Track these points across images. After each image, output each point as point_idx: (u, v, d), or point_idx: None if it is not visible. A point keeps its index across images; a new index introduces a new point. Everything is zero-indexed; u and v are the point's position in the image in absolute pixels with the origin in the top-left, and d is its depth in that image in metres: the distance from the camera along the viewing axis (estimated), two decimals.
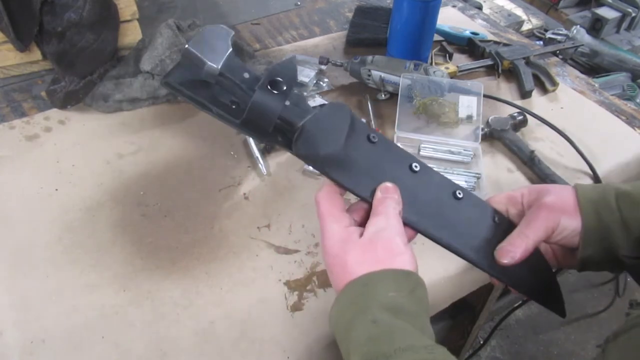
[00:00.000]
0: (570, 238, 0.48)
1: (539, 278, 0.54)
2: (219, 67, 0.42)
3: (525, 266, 0.49)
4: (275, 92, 0.42)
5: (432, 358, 0.38)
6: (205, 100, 0.43)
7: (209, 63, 0.41)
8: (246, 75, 0.43)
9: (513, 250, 0.47)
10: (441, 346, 0.40)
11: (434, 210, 0.48)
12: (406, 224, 0.46)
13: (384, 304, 0.40)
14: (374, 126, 0.81)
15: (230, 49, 0.42)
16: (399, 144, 0.79)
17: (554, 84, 0.93)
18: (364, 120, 0.55)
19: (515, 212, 0.51)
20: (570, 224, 0.47)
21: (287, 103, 0.43)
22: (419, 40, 0.91)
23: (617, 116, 0.89)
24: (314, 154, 0.43)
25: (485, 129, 0.82)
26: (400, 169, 0.47)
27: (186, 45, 0.42)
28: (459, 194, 0.48)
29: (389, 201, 0.44)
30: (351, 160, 0.45)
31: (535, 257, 0.49)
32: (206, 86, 0.43)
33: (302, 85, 0.88)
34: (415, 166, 0.47)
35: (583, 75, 1.01)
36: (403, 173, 0.47)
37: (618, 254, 0.47)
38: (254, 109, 0.41)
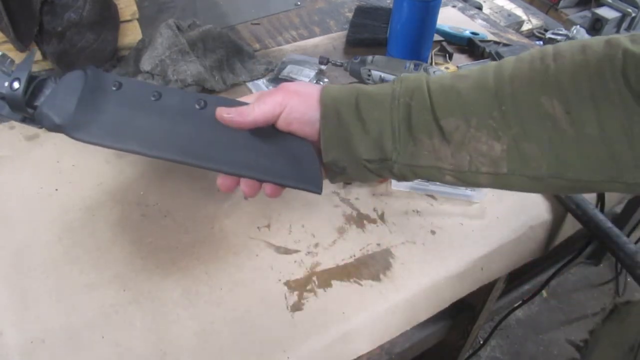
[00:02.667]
0: (303, 127, 0.48)
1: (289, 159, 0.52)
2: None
3: (270, 148, 0.50)
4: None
5: None
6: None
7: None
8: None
9: (234, 113, 0.48)
10: None
11: (188, 135, 0.50)
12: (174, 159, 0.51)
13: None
14: None
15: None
16: None
17: None
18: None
19: None
20: (304, 110, 0.47)
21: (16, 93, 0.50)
22: (419, 40, 0.91)
23: None
24: (50, 125, 0.50)
25: None
26: (144, 100, 0.51)
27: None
28: (201, 103, 0.50)
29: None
30: (102, 117, 0.50)
31: (275, 137, 0.50)
32: None
33: None
34: (155, 94, 0.51)
35: None
36: (147, 104, 0.51)
37: (360, 157, 0.47)
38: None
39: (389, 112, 0.45)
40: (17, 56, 0.85)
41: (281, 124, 0.48)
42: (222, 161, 0.50)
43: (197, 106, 0.50)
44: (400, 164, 0.46)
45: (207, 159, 0.50)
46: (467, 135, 0.43)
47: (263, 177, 0.50)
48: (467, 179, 0.46)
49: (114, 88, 0.51)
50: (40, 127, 0.52)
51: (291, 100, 0.47)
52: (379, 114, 0.45)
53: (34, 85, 0.52)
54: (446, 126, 0.44)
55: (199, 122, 0.50)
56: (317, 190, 0.50)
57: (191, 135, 0.50)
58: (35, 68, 0.88)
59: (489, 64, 0.45)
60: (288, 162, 0.50)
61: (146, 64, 0.82)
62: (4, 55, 0.51)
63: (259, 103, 0.48)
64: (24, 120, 0.53)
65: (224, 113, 0.48)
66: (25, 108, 0.51)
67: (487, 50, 0.98)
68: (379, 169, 0.47)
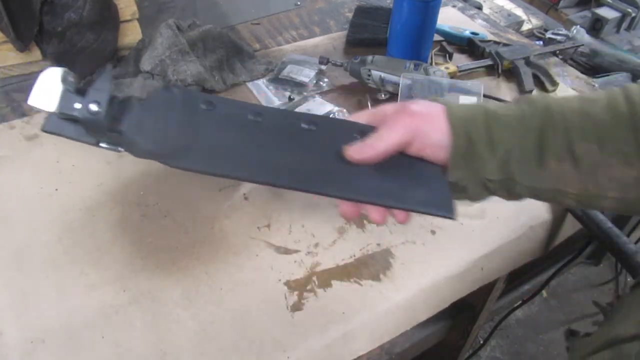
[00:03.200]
0: (435, 151, 0.46)
1: (423, 185, 0.48)
2: (55, 109, 0.44)
3: (402, 174, 0.46)
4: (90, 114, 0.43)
5: None
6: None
7: (47, 110, 0.45)
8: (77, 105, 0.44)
9: (364, 147, 0.45)
10: None
11: (293, 158, 0.46)
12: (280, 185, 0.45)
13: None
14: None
15: (61, 88, 0.44)
16: None
17: (554, 84, 0.93)
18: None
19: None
20: (435, 134, 0.45)
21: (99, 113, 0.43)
22: (419, 40, 0.91)
23: None
24: (140, 151, 0.44)
25: None
26: (242, 120, 0.46)
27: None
28: (310, 124, 0.46)
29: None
30: (198, 141, 0.44)
31: (409, 163, 0.47)
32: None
33: (302, 85, 0.89)
34: (254, 113, 0.46)
35: (583, 75, 1.01)
36: (246, 124, 0.46)
37: (483, 177, 0.46)
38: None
39: (519, 133, 0.44)
40: (17, 56, 0.85)
41: (412, 150, 0.46)
42: (345, 188, 0.45)
43: (304, 126, 0.46)
44: (523, 185, 0.45)
45: (326, 186, 0.45)
46: (599, 161, 0.42)
47: (393, 204, 0.46)
48: (591, 203, 0.45)
49: (204, 107, 0.46)
50: (121, 151, 0.46)
51: (420, 124, 0.45)
52: (508, 135, 0.44)
53: (115, 106, 0.45)
54: (578, 151, 0.42)
55: (310, 143, 0.46)
56: (451, 215, 0.45)
57: (304, 159, 0.45)
58: (34, 68, 0.88)
59: (613, 89, 0.45)
60: (416, 186, 0.46)
61: (146, 64, 0.82)
62: (66, 71, 0.44)
63: (387, 131, 0.45)
64: (99, 143, 0.46)
65: (355, 154, 0.45)
66: (106, 132, 0.45)
67: (487, 50, 0.98)
68: (498, 189, 0.46)
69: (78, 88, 0.44)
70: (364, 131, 0.47)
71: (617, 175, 0.42)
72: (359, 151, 0.45)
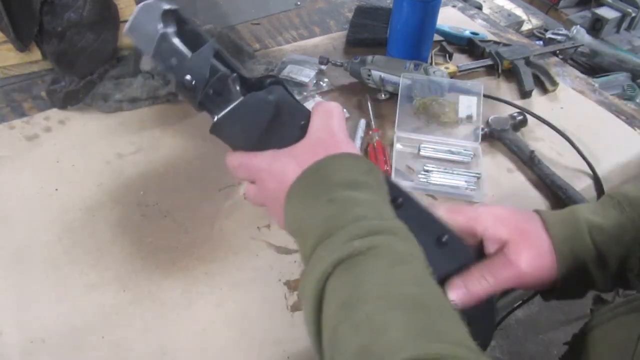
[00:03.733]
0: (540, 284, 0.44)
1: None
2: (151, 54, 0.43)
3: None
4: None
5: (388, 227, 0.36)
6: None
7: (144, 51, 0.44)
8: (174, 61, 0.44)
9: (467, 292, 0.42)
10: (400, 221, 0.38)
11: None
12: None
13: (340, 182, 0.38)
14: (373, 126, 0.81)
15: (159, 32, 0.43)
16: (398, 145, 0.79)
17: (554, 83, 0.93)
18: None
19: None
20: (541, 273, 0.43)
21: (208, 92, 0.44)
22: (419, 40, 0.91)
23: (617, 116, 0.89)
24: (231, 144, 0.46)
25: (485, 129, 0.82)
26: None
27: (125, 30, 0.43)
28: (444, 239, 0.43)
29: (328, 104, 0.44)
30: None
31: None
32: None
33: (302, 85, 0.89)
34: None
35: (583, 75, 1.01)
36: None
37: (593, 288, 0.45)
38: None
39: (632, 245, 0.42)
40: (17, 56, 0.85)
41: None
42: None
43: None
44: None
45: None
46: None
47: None
48: None
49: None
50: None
51: (529, 278, 0.43)
52: (617, 249, 0.42)
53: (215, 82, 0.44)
54: None
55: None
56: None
57: None
58: (35, 68, 0.88)
59: None
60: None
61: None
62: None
63: (490, 283, 0.42)
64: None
65: (455, 298, 0.42)
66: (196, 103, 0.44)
67: (487, 50, 0.98)
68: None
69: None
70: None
71: None
72: (461, 296, 0.42)
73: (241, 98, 0.44)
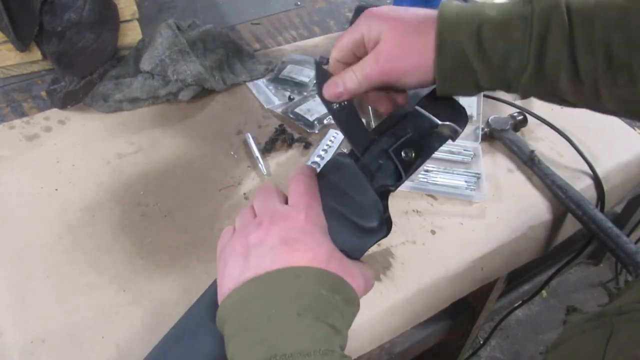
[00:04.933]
0: (415, 78, 0.42)
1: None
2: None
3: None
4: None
5: None
6: None
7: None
8: None
9: (331, 85, 0.42)
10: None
11: None
12: None
13: (314, 301, 0.36)
14: (373, 126, 0.81)
15: None
16: None
17: None
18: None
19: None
20: (415, 63, 0.41)
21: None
22: None
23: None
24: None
25: (485, 129, 0.82)
26: None
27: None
28: None
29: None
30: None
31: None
32: None
33: (302, 85, 0.89)
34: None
35: None
36: None
37: (476, 83, 0.42)
38: None
39: (519, 44, 0.39)
40: (17, 56, 0.85)
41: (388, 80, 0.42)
42: None
43: None
44: (520, 92, 0.41)
45: None
46: (602, 77, 0.38)
47: None
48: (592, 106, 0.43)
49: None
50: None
51: (397, 61, 0.41)
52: (504, 44, 0.39)
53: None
54: (582, 66, 0.38)
55: None
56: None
57: None
58: (35, 68, 0.88)
59: None
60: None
61: (146, 64, 0.82)
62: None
63: (355, 73, 0.42)
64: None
65: (325, 93, 0.43)
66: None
67: None
68: (491, 90, 0.43)
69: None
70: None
71: (623, 95, 0.39)
72: (327, 90, 0.43)
73: None
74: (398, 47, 0.41)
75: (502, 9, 0.40)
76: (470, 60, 0.40)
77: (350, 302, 0.39)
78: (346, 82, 0.42)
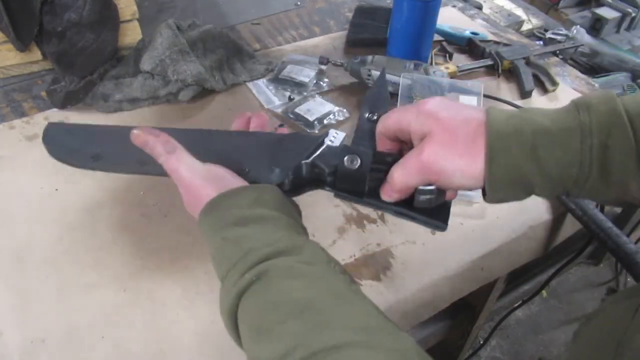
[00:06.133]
0: (465, 184, 0.42)
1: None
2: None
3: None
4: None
5: (277, 250, 0.39)
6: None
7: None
8: None
9: (386, 190, 0.45)
10: (295, 236, 0.42)
11: None
12: None
13: (229, 222, 0.42)
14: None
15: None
16: None
17: (554, 84, 0.93)
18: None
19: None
20: (463, 169, 0.40)
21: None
22: (419, 40, 0.91)
23: None
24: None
25: None
26: None
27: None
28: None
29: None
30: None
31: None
32: None
33: (302, 85, 0.89)
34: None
35: (583, 75, 1.01)
36: None
37: (531, 194, 0.42)
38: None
39: (579, 154, 0.38)
40: (17, 56, 0.85)
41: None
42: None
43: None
44: (581, 196, 0.41)
45: None
46: None
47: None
48: None
49: None
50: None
51: (441, 164, 0.40)
52: (562, 154, 0.38)
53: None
54: None
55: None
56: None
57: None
58: (35, 68, 0.88)
59: None
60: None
61: (146, 64, 0.82)
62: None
63: (400, 176, 0.43)
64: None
65: (385, 197, 0.46)
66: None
67: (487, 50, 0.98)
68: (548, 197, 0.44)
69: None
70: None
71: None
72: (384, 194, 0.46)
73: None
74: (445, 149, 0.40)
75: (554, 117, 0.40)
76: (525, 172, 0.39)
77: (260, 195, 0.45)
78: (395, 186, 0.44)
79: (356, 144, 0.48)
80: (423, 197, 0.44)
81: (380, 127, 0.46)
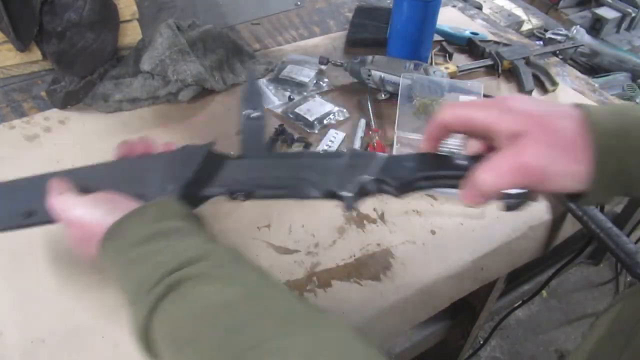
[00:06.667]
0: (565, 185, 0.38)
1: None
2: None
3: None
4: None
5: (185, 260, 0.38)
6: None
7: None
8: None
9: (469, 192, 0.40)
10: (204, 243, 0.41)
11: None
12: None
13: (133, 242, 0.41)
14: (373, 126, 0.81)
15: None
16: (398, 145, 0.79)
17: (554, 84, 0.93)
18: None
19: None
20: (567, 167, 0.37)
21: None
22: (419, 40, 0.91)
23: None
24: None
25: None
26: None
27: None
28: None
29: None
30: None
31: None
32: None
33: (302, 85, 0.89)
34: None
35: (583, 75, 1.01)
36: None
37: (629, 194, 0.39)
38: None
39: None
40: (17, 56, 0.85)
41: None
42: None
43: None
44: None
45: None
46: None
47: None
48: None
49: None
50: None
51: (544, 163, 0.37)
52: None
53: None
54: None
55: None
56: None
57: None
58: (35, 68, 0.88)
59: None
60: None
61: (146, 64, 0.82)
62: None
63: (492, 175, 0.38)
64: None
65: (465, 199, 0.41)
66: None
67: (487, 50, 0.98)
68: None
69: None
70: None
71: None
72: (466, 196, 0.40)
73: None
74: (550, 150, 0.37)
75: None
76: (632, 172, 0.37)
77: (161, 210, 0.44)
78: (484, 189, 0.39)
79: (244, 142, 0.50)
80: (513, 202, 0.40)
81: (446, 117, 0.42)
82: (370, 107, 0.84)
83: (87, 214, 0.45)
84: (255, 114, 0.51)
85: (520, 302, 1.07)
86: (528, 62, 0.96)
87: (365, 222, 0.68)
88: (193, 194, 0.48)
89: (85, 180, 0.51)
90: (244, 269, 0.39)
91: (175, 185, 0.48)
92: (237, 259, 0.40)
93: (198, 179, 0.48)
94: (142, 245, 0.41)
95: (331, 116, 0.84)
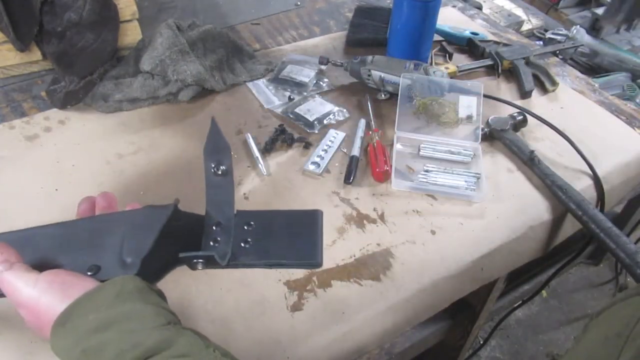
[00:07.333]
0: None
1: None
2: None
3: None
4: None
5: (144, 350, 0.36)
6: None
7: None
8: None
9: None
10: (162, 330, 0.38)
11: None
12: None
13: (89, 329, 0.38)
14: (373, 126, 0.81)
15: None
16: (398, 145, 0.79)
17: (554, 84, 0.93)
18: None
19: None
20: None
21: None
22: (419, 40, 0.91)
23: (617, 116, 0.89)
24: None
25: (485, 129, 0.82)
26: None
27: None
28: None
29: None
30: None
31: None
32: None
33: (302, 85, 0.89)
34: None
35: (583, 75, 1.01)
36: None
37: None
38: None
39: None
40: (17, 56, 0.85)
41: None
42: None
43: None
44: None
45: None
46: None
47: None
48: None
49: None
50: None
51: None
52: None
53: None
54: None
55: None
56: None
57: None
58: (35, 68, 0.88)
59: None
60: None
61: (146, 64, 0.82)
62: None
63: None
64: None
65: None
66: None
67: (487, 50, 0.98)
68: None
69: None
70: None
71: None
72: None
73: None
74: None
75: None
76: None
77: (121, 290, 0.41)
78: None
79: (211, 201, 0.48)
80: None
81: None
82: (370, 107, 0.84)
83: (37, 297, 0.41)
84: (220, 171, 0.46)
85: (520, 302, 1.07)
86: (528, 62, 0.96)
87: (365, 222, 0.68)
88: (152, 268, 0.45)
89: (38, 245, 0.47)
90: (210, 358, 0.38)
91: (134, 258, 0.43)
92: (203, 346, 0.39)
93: (158, 249, 0.45)
94: (97, 334, 0.38)
95: (331, 116, 0.84)
